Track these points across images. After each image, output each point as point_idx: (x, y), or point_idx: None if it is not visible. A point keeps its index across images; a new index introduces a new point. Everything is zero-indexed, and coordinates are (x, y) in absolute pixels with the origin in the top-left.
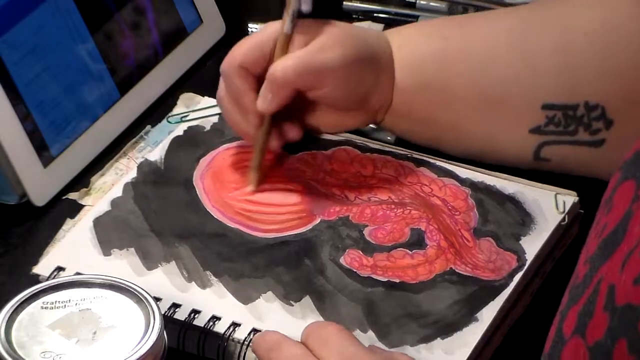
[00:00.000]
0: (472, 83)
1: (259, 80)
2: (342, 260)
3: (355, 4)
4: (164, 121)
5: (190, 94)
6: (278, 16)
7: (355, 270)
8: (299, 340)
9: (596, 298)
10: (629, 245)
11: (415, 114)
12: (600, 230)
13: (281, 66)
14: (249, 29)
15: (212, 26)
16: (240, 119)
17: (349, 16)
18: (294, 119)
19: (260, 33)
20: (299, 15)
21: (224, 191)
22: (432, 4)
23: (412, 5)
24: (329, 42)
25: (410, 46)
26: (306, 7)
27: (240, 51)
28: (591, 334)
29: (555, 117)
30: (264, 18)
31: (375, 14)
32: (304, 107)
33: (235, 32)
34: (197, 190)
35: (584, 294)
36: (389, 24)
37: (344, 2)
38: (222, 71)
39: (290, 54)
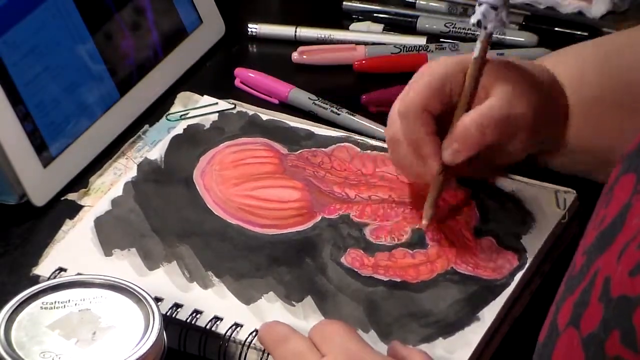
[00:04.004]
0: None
1: (437, 120)
2: (343, 260)
3: (355, 4)
4: (162, 120)
5: (188, 93)
6: (278, 16)
7: (356, 270)
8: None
9: (592, 289)
10: (626, 237)
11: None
12: (599, 222)
13: (476, 124)
14: (249, 30)
15: (212, 26)
16: (416, 162)
17: (348, 16)
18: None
19: (437, 70)
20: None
21: (225, 187)
22: (431, 4)
23: (412, 6)
24: (516, 93)
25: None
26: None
27: (423, 94)
28: (585, 325)
29: None
30: (263, 18)
31: (375, 14)
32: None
33: (235, 33)
34: (197, 188)
35: (580, 285)
36: (389, 24)
37: (344, 2)
38: (402, 114)
39: (479, 108)
